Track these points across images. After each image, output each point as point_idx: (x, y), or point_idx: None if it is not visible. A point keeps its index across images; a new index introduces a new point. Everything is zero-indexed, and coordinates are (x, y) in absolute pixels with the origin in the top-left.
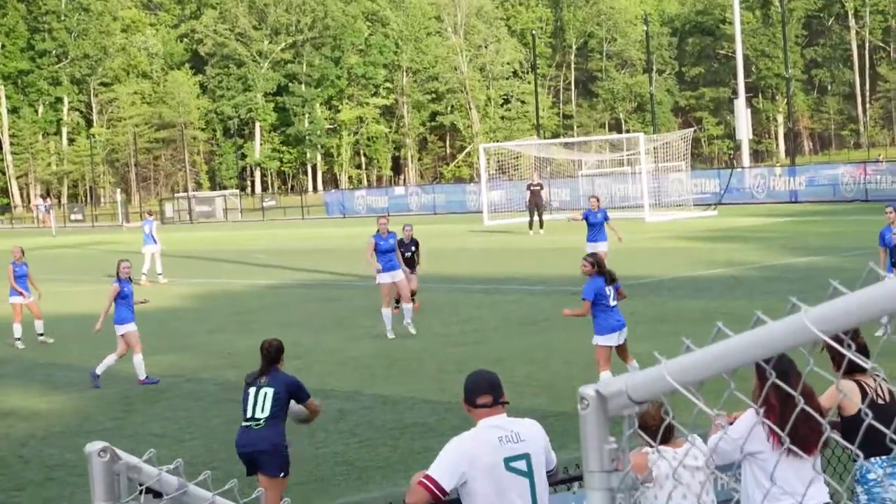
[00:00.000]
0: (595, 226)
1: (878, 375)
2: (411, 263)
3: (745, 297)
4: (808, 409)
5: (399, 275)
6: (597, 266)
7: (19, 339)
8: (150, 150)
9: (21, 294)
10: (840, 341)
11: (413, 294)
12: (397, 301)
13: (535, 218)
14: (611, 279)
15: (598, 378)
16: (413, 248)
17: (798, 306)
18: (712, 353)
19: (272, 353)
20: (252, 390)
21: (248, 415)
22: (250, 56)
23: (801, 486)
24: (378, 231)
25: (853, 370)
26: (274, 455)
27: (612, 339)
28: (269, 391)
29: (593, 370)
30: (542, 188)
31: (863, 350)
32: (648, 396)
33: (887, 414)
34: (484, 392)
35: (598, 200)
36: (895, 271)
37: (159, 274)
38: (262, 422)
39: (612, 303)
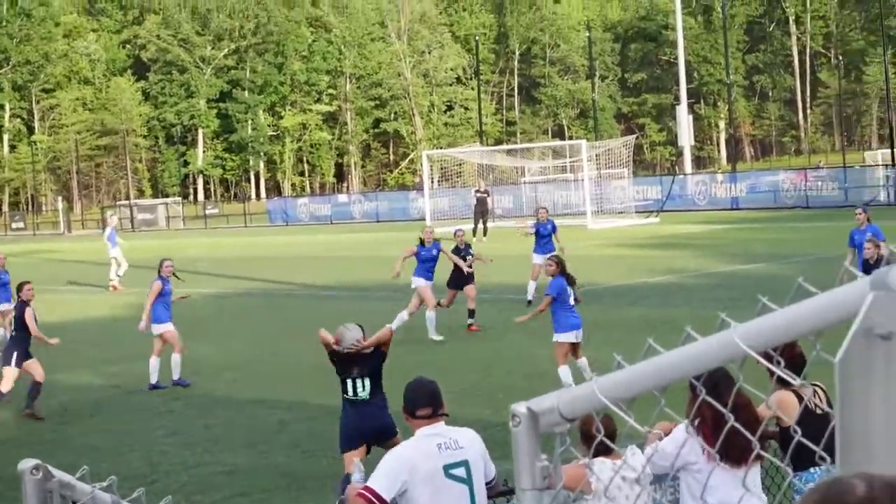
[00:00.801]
0: (544, 237)
1: (816, 385)
2: (467, 276)
3: (686, 304)
4: (737, 425)
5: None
6: (560, 266)
7: None
8: (92, 157)
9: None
10: (770, 357)
11: (472, 313)
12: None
13: (480, 225)
14: (571, 281)
15: (540, 389)
16: (471, 253)
17: (727, 322)
18: (642, 370)
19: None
20: (349, 381)
21: (351, 395)
22: (193, 62)
23: (737, 497)
24: (422, 240)
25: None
26: (389, 424)
27: (571, 337)
28: (366, 381)
29: (536, 380)
30: (488, 195)
31: (800, 359)
32: (580, 413)
33: (823, 424)
34: (424, 404)
35: (546, 211)
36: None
37: (111, 279)
38: (366, 399)
39: (572, 302)
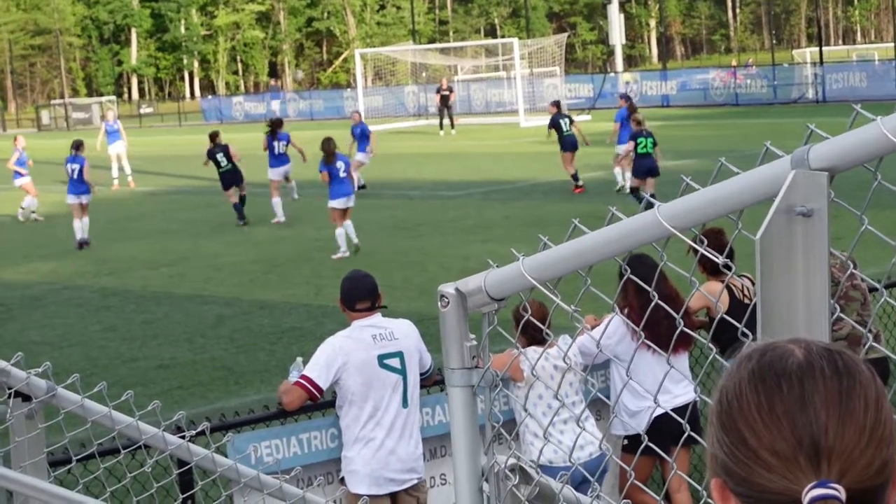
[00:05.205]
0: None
1: (746, 276)
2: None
3: (619, 199)
4: (664, 305)
5: None
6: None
7: None
8: (26, 56)
9: None
10: (697, 240)
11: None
12: None
13: (446, 121)
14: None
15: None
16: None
17: (651, 202)
18: (568, 249)
19: None
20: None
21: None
22: None
23: (668, 383)
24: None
25: (719, 271)
26: None
27: (341, 203)
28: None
29: (471, 275)
30: (451, 92)
31: (722, 249)
32: (507, 293)
33: (753, 313)
34: (362, 298)
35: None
36: None
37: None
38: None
39: (342, 175)
